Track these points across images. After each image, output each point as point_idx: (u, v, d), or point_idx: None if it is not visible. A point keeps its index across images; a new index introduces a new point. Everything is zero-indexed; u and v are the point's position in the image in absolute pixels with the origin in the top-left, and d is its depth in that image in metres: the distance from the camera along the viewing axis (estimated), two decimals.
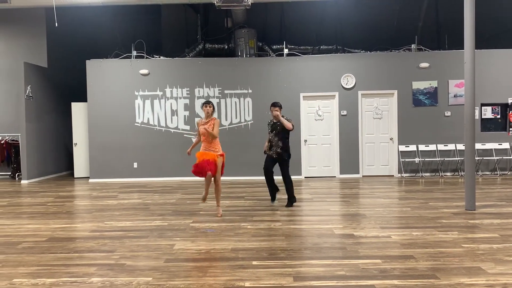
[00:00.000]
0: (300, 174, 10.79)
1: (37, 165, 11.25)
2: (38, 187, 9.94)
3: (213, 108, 6.48)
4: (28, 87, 10.89)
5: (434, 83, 10.63)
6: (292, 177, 10.52)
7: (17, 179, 11.49)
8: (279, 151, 6.94)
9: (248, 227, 5.63)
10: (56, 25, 9.31)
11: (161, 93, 10.90)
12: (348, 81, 10.70)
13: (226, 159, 6.58)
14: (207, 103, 6.43)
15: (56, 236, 5.35)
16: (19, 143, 11.26)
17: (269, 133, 7.11)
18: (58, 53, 12.25)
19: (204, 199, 6.50)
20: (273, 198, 7.28)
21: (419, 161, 10.64)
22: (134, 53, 11.08)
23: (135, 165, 10.90)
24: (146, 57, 11.09)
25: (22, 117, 10.83)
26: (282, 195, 7.36)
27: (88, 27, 13.59)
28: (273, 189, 7.22)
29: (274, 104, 7.01)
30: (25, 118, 10.78)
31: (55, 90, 12.21)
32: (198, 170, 6.19)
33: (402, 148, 10.67)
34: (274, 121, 7.08)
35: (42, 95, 11.54)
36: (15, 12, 11.48)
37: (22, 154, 10.85)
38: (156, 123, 10.89)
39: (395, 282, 3.58)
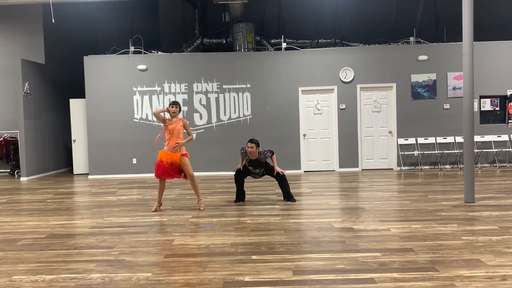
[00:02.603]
0: (299, 168, 10.79)
1: (36, 162, 11.24)
2: (37, 184, 9.94)
3: (180, 109, 6.50)
4: (26, 84, 10.85)
5: (433, 76, 10.61)
6: (292, 171, 10.65)
7: (16, 176, 11.48)
8: (264, 173, 6.99)
9: (248, 221, 5.63)
10: (53, 21, 9.27)
11: (159, 88, 10.88)
12: (347, 74, 10.68)
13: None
14: (174, 103, 6.44)
15: (56, 232, 5.35)
16: (17, 140, 11.23)
17: (246, 164, 6.90)
18: (56, 49, 12.20)
19: (156, 209, 6.50)
20: (238, 199, 7.07)
21: (418, 154, 10.64)
22: (132, 48, 11.04)
23: (134, 161, 10.90)
24: (144, 53, 11.05)
25: (20, 114, 10.80)
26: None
27: (85, 23, 13.54)
28: (241, 193, 7.07)
29: (251, 141, 6.65)
30: (24, 115, 10.75)
31: (53, 86, 12.17)
32: (162, 173, 6.31)
33: (401, 141, 10.67)
34: (252, 158, 6.74)
35: (40, 92, 11.50)
36: (12, 9, 11.42)
37: (21, 151, 10.84)
38: (154, 118, 10.86)
39: (395, 275, 3.59)
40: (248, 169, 6.93)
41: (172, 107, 6.41)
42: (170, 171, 6.30)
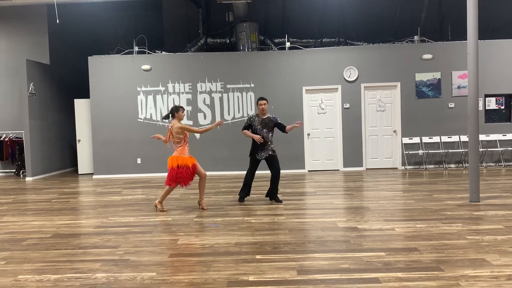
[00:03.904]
0: (303, 167, 10.78)
1: (41, 162, 11.30)
2: (42, 184, 9.98)
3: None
4: (31, 84, 10.91)
5: (438, 75, 10.57)
6: (296, 171, 10.66)
7: (21, 176, 11.54)
8: (273, 147, 6.84)
9: (252, 221, 5.64)
10: (58, 21, 9.31)
11: (164, 88, 10.90)
12: (351, 73, 10.65)
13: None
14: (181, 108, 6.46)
15: (61, 232, 5.37)
16: (23, 140, 11.29)
17: (257, 129, 6.73)
18: (60, 50, 12.25)
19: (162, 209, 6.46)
20: (245, 195, 7.06)
21: (423, 153, 10.61)
22: (136, 48, 11.07)
23: (139, 160, 10.93)
24: (148, 53, 11.08)
25: (25, 114, 10.85)
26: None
27: (89, 23, 13.59)
28: (249, 190, 7.06)
29: (263, 98, 6.80)
30: (29, 115, 10.80)
31: (58, 87, 12.23)
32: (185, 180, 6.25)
33: (406, 140, 10.64)
34: (263, 117, 6.75)
35: (45, 92, 11.56)
36: (17, 10, 11.49)
37: (26, 151, 10.89)
38: (159, 118, 10.90)
39: (399, 274, 3.58)
40: (257, 132, 6.72)
41: (182, 111, 6.42)
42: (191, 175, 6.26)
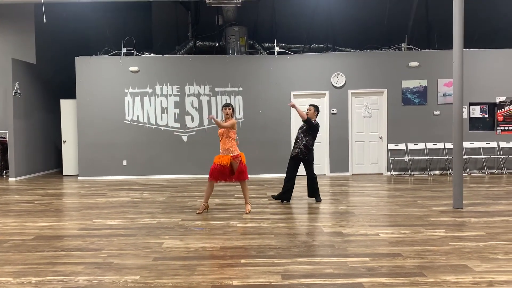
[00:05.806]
0: None
1: (25, 163, 11.13)
2: (26, 185, 9.84)
3: (233, 110, 6.44)
4: (16, 84, 10.76)
5: (424, 82, 10.71)
6: (283, 175, 10.59)
7: (4, 176, 11.36)
8: (302, 148, 7.00)
9: (237, 225, 5.63)
10: (45, 21, 9.21)
11: (151, 90, 10.84)
12: (338, 79, 10.73)
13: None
14: (227, 105, 6.40)
15: (43, 234, 5.30)
16: (7, 140, 11.12)
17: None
18: (47, 49, 12.11)
19: (200, 210, 6.41)
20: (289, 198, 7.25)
21: (408, 159, 10.72)
22: (124, 50, 11.00)
23: (125, 163, 10.84)
24: (136, 54, 11.02)
25: (10, 114, 10.69)
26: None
27: (77, 23, 13.47)
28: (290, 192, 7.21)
29: (310, 104, 7.30)
30: (13, 115, 10.65)
31: (44, 86, 12.08)
32: (214, 176, 6.25)
33: (392, 146, 10.74)
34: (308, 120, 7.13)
35: (30, 92, 11.41)
36: (3, 8, 11.33)
37: (10, 152, 10.72)
38: (146, 120, 10.83)
39: (383, 280, 3.60)
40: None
41: (225, 109, 6.37)
42: (221, 173, 6.19)
